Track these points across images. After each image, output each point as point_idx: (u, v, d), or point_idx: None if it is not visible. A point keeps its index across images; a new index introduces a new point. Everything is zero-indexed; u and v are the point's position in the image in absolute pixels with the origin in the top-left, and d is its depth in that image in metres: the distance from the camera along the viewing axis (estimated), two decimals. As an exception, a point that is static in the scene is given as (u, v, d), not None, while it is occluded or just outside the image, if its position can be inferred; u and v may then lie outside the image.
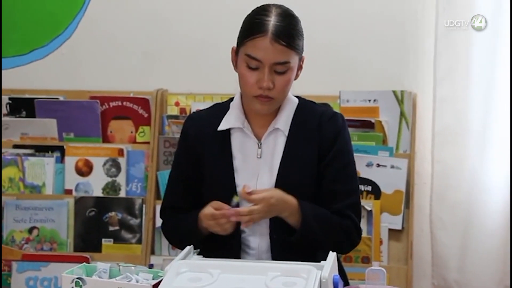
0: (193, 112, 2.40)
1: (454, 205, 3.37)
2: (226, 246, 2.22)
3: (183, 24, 3.61)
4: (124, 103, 3.56)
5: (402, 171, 3.33)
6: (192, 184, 2.27)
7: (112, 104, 3.56)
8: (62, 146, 3.53)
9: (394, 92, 3.39)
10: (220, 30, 3.55)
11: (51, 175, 3.51)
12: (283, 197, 2.14)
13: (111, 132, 3.57)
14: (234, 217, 2.11)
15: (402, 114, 3.38)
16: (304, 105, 2.27)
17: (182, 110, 3.56)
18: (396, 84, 3.43)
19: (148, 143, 3.52)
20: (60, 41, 3.67)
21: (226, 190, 2.19)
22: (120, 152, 3.50)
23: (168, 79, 3.61)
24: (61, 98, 3.58)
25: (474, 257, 3.35)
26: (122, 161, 3.50)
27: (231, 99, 2.30)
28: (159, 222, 3.42)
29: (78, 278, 1.87)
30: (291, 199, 2.15)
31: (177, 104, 3.58)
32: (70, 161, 3.51)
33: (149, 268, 2.09)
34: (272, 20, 2.10)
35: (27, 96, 3.57)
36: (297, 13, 2.21)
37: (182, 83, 3.60)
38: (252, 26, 2.13)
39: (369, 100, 3.39)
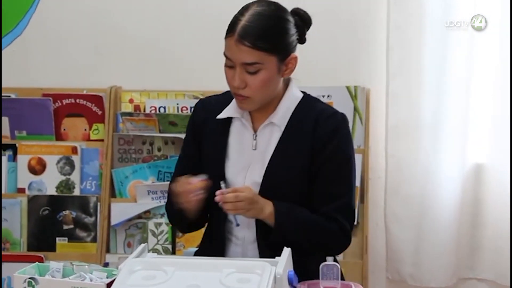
0: (206, 97, 2.42)
1: (408, 199, 3.40)
2: (211, 235, 2.26)
3: (136, 21, 3.58)
4: (77, 101, 3.53)
5: (356, 166, 3.34)
6: (196, 165, 2.27)
7: (65, 101, 3.52)
8: (15, 145, 3.48)
9: (347, 87, 3.41)
10: (174, 26, 3.54)
11: (4, 174, 3.46)
12: (259, 197, 2.14)
13: (64, 130, 3.54)
14: (218, 197, 2.07)
15: (355, 110, 3.40)
16: (307, 102, 2.26)
17: (136, 107, 3.54)
18: (349, 79, 3.45)
19: (102, 140, 3.49)
20: (10, 38, 3.61)
21: (215, 176, 2.17)
22: (74, 150, 3.47)
23: (121, 76, 3.58)
24: (13, 96, 3.53)
25: (428, 251, 3.40)
26: (76, 159, 3.47)
27: None
28: (114, 220, 3.41)
29: (30, 278, 1.85)
30: (268, 201, 2.15)
31: (131, 101, 3.55)
32: (23, 160, 3.47)
33: (104, 266, 2.07)
34: (243, 20, 2.09)
35: (-22, 94, 3.51)
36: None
37: (136, 80, 3.58)
38: (229, 24, 2.13)
39: (323, 96, 3.40)
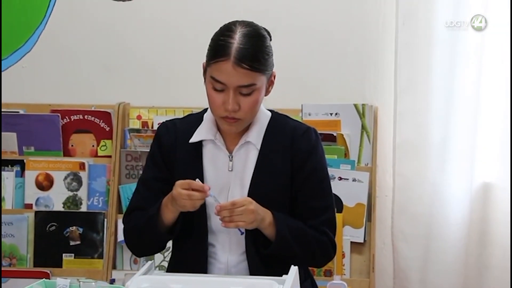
0: (167, 120, 2.36)
1: (415, 217, 3.39)
2: (192, 259, 2.22)
3: (144, 38, 3.60)
4: (86, 117, 3.53)
5: (364, 184, 3.35)
6: (166, 187, 2.23)
7: (73, 117, 3.53)
8: (22, 160, 3.49)
9: (355, 105, 3.41)
10: (182, 43, 3.56)
11: (11, 189, 3.47)
12: (260, 206, 2.13)
13: (72, 145, 3.55)
14: (216, 212, 2.08)
15: (363, 127, 3.40)
16: (277, 119, 2.27)
17: (144, 124, 3.55)
18: (357, 97, 3.46)
19: (109, 156, 3.50)
20: (20, 54, 3.63)
21: None
22: (82, 166, 3.47)
23: (129, 93, 3.59)
24: (22, 112, 3.55)
25: (435, 269, 3.38)
26: (83, 175, 3.47)
27: (205, 110, 2.29)
28: (121, 236, 3.40)
29: (37, 295, 1.85)
30: (267, 210, 2.15)
31: (139, 117, 3.56)
32: (30, 175, 3.47)
33: (111, 283, 2.08)
34: (236, 43, 2.08)
35: (-14, 109, 3.53)
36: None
37: (144, 97, 3.59)
38: (216, 48, 2.12)
39: (331, 114, 3.41)
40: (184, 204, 2.08)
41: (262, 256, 2.18)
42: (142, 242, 2.25)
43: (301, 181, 2.21)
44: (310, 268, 2.38)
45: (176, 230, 2.18)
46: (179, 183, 2.10)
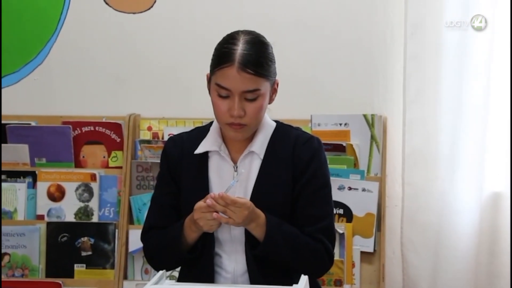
0: (175, 134, 2.39)
1: (425, 227, 3.39)
2: (200, 268, 2.24)
3: (155, 49, 3.62)
4: (97, 128, 3.56)
5: (373, 194, 3.36)
6: (177, 203, 2.27)
7: (84, 129, 3.56)
8: (34, 172, 3.51)
9: (364, 115, 3.43)
10: (192, 55, 3.57)
11: (23, 201, 3.49)
12: (255, 208, 2.15)
13: (83, 157, 3.57)
14: (209, 199, 2.08)
15: (372, 138, 3.41)
16: (281, 129, 2.29)
17: (155, 135, 3.57)
18: (366, 107, 3.47)
19: (120, 167, 3.52)
20: (32, 67, 3.66)
21: None
22: (93, 177, 3.49)
23: (140, 104, 3.61)
24: (33, 124, 3.57)
25: (445, 279, 3.38)
26: (94, 186, 3.49)
27: (211, 123, 2.31)
28: (132, 246, 3.42)
29: (50, 304, 1.87)
30: (261, 212, 2.16)
31: (149, 128, 3.58)
32: (42, 186, 3.50)
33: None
34: (239, 49, 2.12)
35: (-2, 121, 3.56)
36: (267, 38, 2.23)
37: (155, 108, 3.61)
38: (220, 55, 2.15)
39: (340, 124, 3.42)
40: (211, 224, 2.12)
41: (259, 265, 2.18)
42: (165, 260, 2.27)
43: (300, 188, 2.22)
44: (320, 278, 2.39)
45: (198, 249, 2.21)
46: (198, 207, 2.12)
